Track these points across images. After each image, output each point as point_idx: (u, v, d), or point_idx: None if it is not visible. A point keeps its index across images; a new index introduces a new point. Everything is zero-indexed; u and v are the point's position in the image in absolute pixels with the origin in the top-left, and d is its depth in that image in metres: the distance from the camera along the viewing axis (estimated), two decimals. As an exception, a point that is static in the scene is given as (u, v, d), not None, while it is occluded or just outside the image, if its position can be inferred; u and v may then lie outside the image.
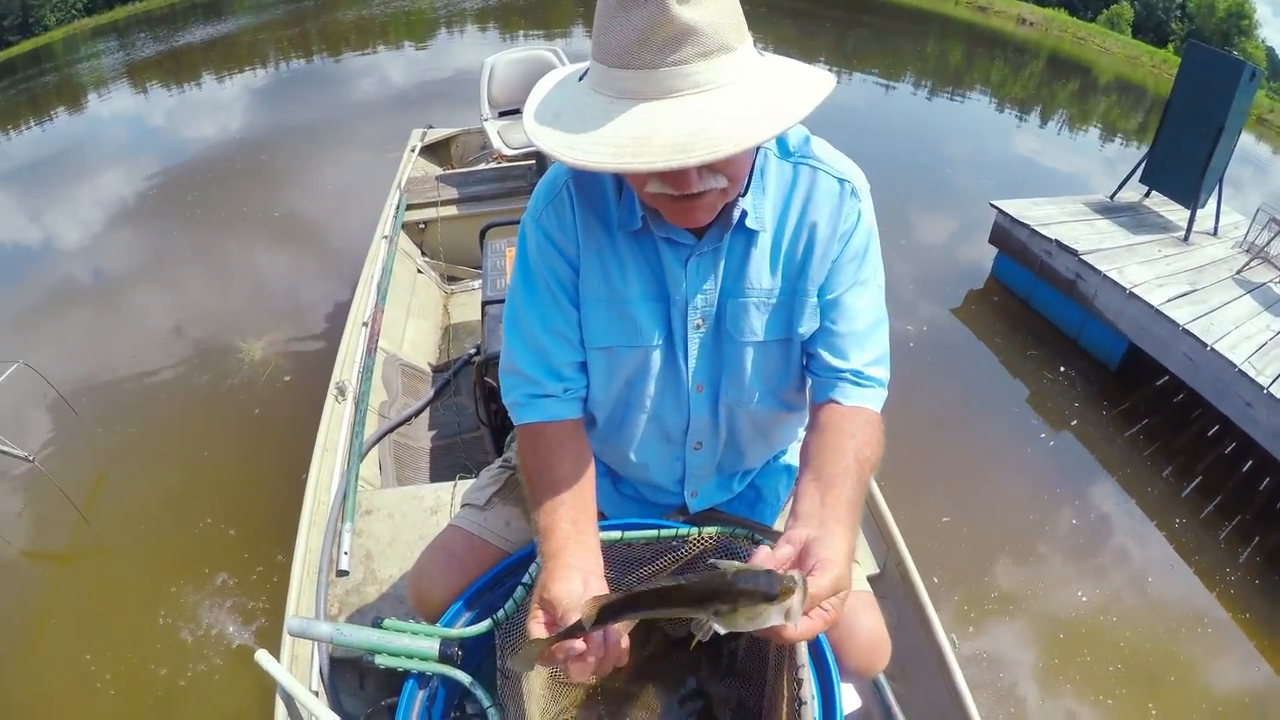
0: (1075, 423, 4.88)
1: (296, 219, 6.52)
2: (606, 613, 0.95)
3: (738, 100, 0.95)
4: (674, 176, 1.01)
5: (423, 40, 14.68)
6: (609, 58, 0.96)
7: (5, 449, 3.51)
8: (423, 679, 1.26)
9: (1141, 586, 3.78)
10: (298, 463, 2.71)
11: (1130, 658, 3.33)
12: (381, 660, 1.23)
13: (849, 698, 1.65)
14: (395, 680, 2.07)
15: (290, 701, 1.82)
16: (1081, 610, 3.57)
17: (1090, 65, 22.90)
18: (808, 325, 1.28)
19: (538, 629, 1.02)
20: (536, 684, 1.34)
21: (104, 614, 3.23)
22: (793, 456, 1.69)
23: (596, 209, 1.24)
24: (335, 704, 1.92)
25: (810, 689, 1.16)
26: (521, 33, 15.87)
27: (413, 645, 1.22)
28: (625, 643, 1.04)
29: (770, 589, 0.87)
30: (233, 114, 9.58)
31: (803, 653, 1.18)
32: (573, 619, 0.98)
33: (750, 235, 1.23)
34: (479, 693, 1.20)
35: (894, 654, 1.96)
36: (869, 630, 1.41)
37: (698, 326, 1.28)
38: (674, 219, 1.13)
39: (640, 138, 0.93)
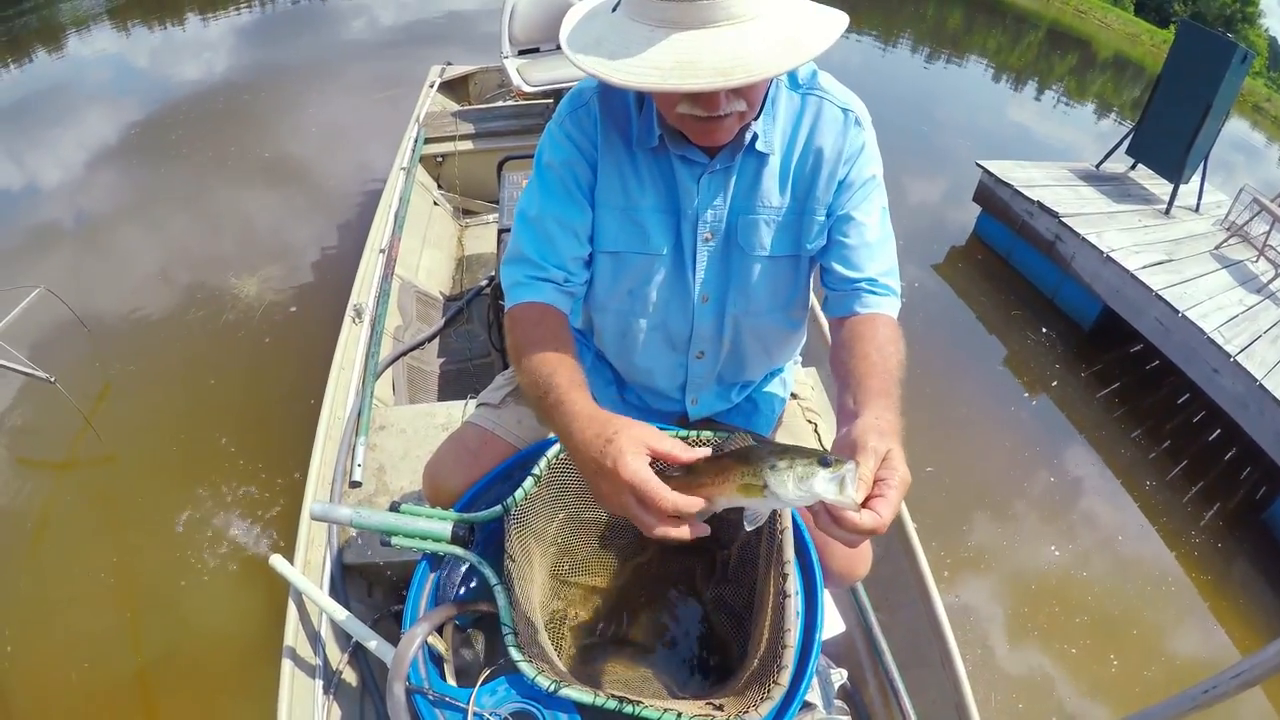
0: (1055, 384, 4.92)
1: (299, 159, 6.42)
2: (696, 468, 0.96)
3: (769, 31, 1.01)
4: (704, 99, 1.08)
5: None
6: None
7: (29, 370, 3.51)
8: (435, 560, 1.31)
9: (1110, 545, 3.85)
10: (308, 388, 2.75)
11: (1095, 611, 3.41)
12: (398, 541, 1.28)
13: (833, 620, 1.72)
14: (402, 588, 2.14)
15: (302, 603, 1.88)
16: (1052, 564, 3.63)
17: (1090, 39, 22.46)
18: (816, 242, 1.34)
19: (641, 468, 0.95)
20: (540, 576, 1.39)
21: (117, 526, 3.25)
22: (789, 374, 1.75)
23: (619, 124, 1.29)
24: (346, 606, 1.98)
25: (794, 583, 1.21)
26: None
27: (427, 527, 1.27)
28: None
29: (825, 455, 0.87)
30: (220, 54, 9.27)
31: (789, 551, 1.23)
32: (688, 457, 0.98)
33: (761, 158, 1.29)
34: (486, 571, 1.25)
35: (879, 583, 2.02)
36: None
37: (707, 240, 1.34)
38: (697, 138, 1.20)
39: (684, 62, 1.00)
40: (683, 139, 1.25)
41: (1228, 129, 6.82)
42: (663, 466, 0.98)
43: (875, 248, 1.32)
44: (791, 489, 0.87)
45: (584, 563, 1.50)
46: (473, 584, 1.39)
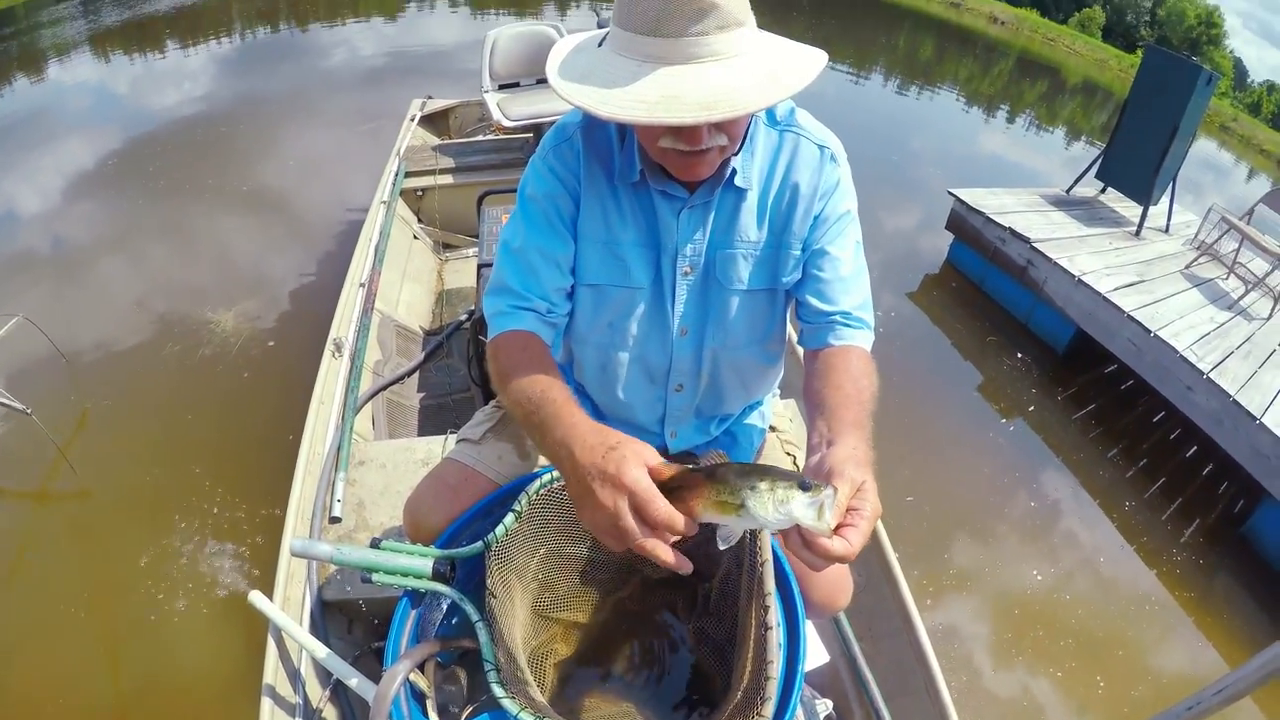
0: (1032, 409, 4.95)
1: (278, 191, 6.39)
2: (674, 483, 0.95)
3: (750, 68, 1.06)
4: (687, 133, 1.11)
5: (393, 14, 14.22)
6: (636, 26, 1.05)
7: (5, 401, 3.47)
8: (416, 597, 1.30)
9: (1092, 566, 3.86)
10: (287, 422, 2.74)
11: (1080, 633, 3.41)
12: (379, 578, 1.27)
13: (816, 651, 1.71)
14: (381, 625, 2.12)
15: (281, 640, 1.86)
16: (1036, 588, 3.64)
17: (1059, 66, 22.89)
18: (791, 276, 1.37)
19: (643, 476, 0.94)
20: (522, 612, 1.38)
21: (92, 559, 3.20)
22: (768, 408, 1.77)
23: (602, 159, 1.32)
24: (326, 643, 1.96)
25: (776, 615, 1.21)
26: (492, 11, 15.55)
27: (408, 564, 1.25)
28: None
29: (804, 480, 0.87)
30: (200, 83, 9.22)
31: (770, 583, 1.23)
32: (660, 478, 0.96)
33: (739, 193, 1.31)
34: (468, 607, 1.24)
35: (862, 613, 2.02)
36: (834, 567, 1.47)
37: (686, 273, 1.36)
38: (679, 172, 1.22)
39: (669, 96, 1.03)
40: (663, 174, 1.27)
41: (1196, 149, 6.95)
42: None
43: (849, 281, 1.35)
44: (770, 511, 0.87)
45: (565, 598, 1.49)
46: (454, 620, 1.38)
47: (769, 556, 1.26)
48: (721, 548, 0.97)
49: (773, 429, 1.88)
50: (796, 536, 0.89)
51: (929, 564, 3.61)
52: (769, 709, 1.10)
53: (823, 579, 1.45)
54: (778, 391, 1.83)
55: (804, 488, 0.87)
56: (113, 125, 7.71)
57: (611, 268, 1.37)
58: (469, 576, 1.34)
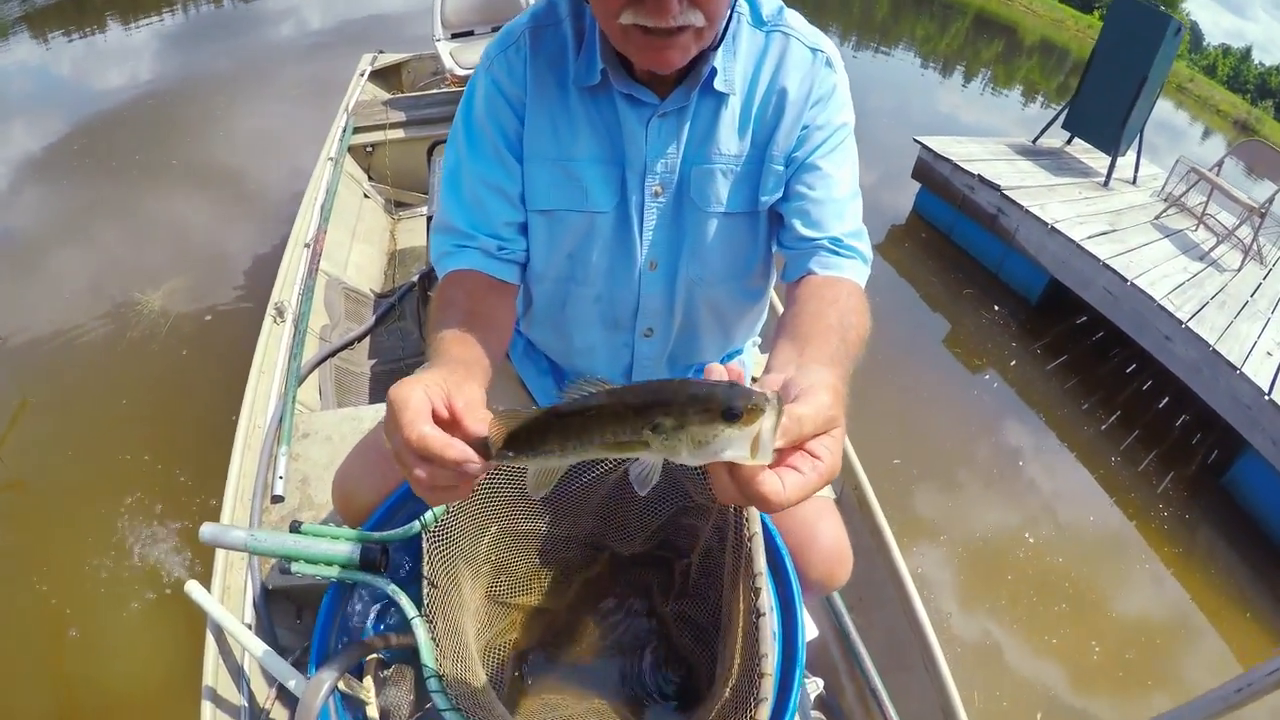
0: (1013, 363, 4.82)
1: (218, 166, 6.05)
2: (518, 438, 0.68)
3: None
4: (653, 5, 0.89)
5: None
6: None
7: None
8: (344, 588, 1.09)
9: (1082, 528, 3.76)
10: (229, 401, 2.48)
11: (1074, 598, 3.30)
12: (298, 568, 1.06)
13: (806, 626, 1.54)
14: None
15: (221, 635, 1.65)
16: (1027, 551, 3.52)
17: (1016, 25, 22.86)
18: (773, 194, 1.14)
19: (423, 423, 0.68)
20: (472, 598, 1.19)
21: (27, 549, 2.93)
22: (749, 357, 1.56)
23: (552, 63, 1.10)
24: (269, 637, 1.75)
25: (769, 599, 1.02)
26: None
27: (332, 550, 1.05)
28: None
29: (731, 401, 0.58)
30: (144, 61, 8.80)
31: (760, 561, 1.04)
32: (476, 426, 0.70)
33: (719, 98, 1.10)
34: (403, 600, 1.03)
35: (853, 584, 1.84)
36: (831, 538, 1.28)
37: (656, 194, 1.14)
38: (645, 58, 0.99)
39: None
40: (629, 75, 1.06)
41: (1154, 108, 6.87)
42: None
43: (843, 204, 1.13)
44: (684, 455, 0.61)
45: (524, 581, 1.31)
46: (395, 612, 1.17)
47: (758, 529, 1.08)
48: (640, 493, 0.69)
49: (754, 381, 1.68)
50: (722, 470, 0.62)
51: (914, 530, 3.47)
52: (764, 711, 0.92)
53: (820, 552, 1.26)
54: (759, 340, 1.62)
55: (731, 414, 0.58)
56: (47, 105, 7.28)
57: (566, 190, 1.14)
58: (414, 559, 1.14)
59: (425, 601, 0.99)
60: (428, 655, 0.97)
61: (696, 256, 1.19)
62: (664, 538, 1.32)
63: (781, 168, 1.13)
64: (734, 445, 0.59)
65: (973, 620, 3.12)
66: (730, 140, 1.12)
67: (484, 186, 1.13)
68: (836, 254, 1.10)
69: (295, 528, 1.09)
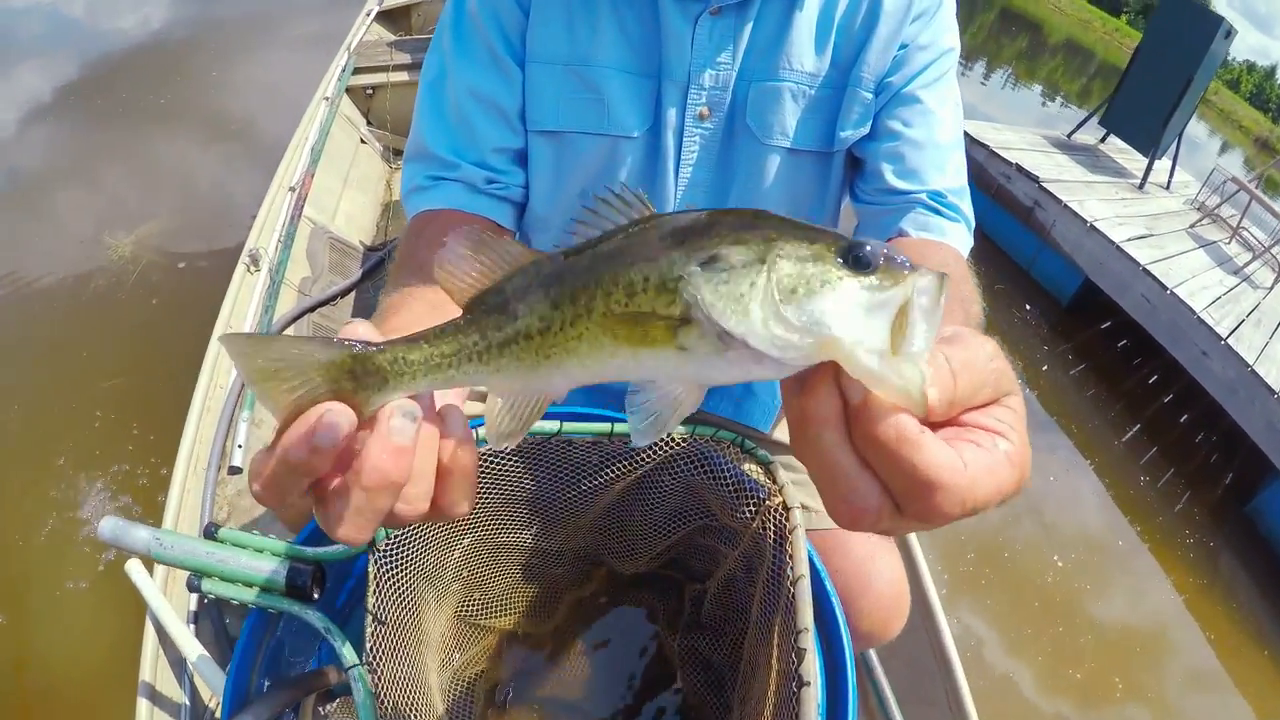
0: (1045, 368, 4.58)
1: (207, 109, 5.75)
2: (483, 302, 0.39)
3: None
4: None
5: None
6: None
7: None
8: (267, 617, 0.84)
9: (1102, 541, 3.59)
10: (201, 355, 2.23)
11: (1099, 630, 3.13)
12: (210, 586, 0.82)
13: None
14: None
15: (161, 626, 1.42)
16: (1056, 578, 3.32)
17: (1042, 22, 22.62)
18: (855, 130, 0.87)
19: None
20: (435, 626, 0.95)
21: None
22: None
23: None
24: (218, 630, 1.50)
25: (814, 665, 0.78)
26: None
27: (252, 568, 0.79)
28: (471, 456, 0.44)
29: (840, 241, 0.34)
30: (155, 7, 8.50)
31: (806, 615, 0.80)
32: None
33: (792, 0, 0.82)
34: (341, 646, 0.76)
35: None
36: (888, 581, 1.01)
37: (701, 117, 0.86)
38: None
39: None
40: None
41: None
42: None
43: (945, 151, 0.87)
44: (758, 330, 0.33)
45: (501, 599, 1.09)
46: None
47: (804, 571, 0.83)
48: (637, 444, 0.41)
49: None
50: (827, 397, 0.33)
51: (941, 552, 3.22)
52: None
53: (876, 599, 0.98)
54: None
55: (856, 260, 0.33)
56: (52, 46, 6.98)
57: (581, 104, 0.86)
58: (355, 581, 0.90)
59: (368, 645, 0.74)
60: (368, 717, 0.73)
61: (747, 204, 0.89)
62: (673, 557, 1.09)
63: (870, 95, 0.86)
64: (859, 317, 0.32)
65: (996, 650, 2.92)
66: (805, 53, 0.84)
67: (472, 100, 0.87)
68: (938, 213, 0.85)
69: (211, 532, 0.84)
